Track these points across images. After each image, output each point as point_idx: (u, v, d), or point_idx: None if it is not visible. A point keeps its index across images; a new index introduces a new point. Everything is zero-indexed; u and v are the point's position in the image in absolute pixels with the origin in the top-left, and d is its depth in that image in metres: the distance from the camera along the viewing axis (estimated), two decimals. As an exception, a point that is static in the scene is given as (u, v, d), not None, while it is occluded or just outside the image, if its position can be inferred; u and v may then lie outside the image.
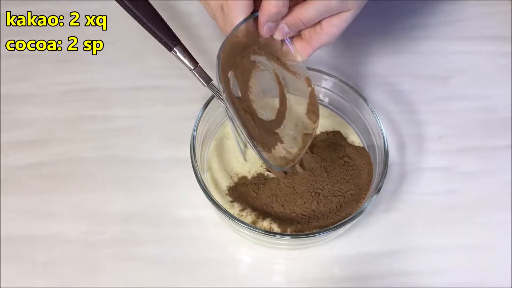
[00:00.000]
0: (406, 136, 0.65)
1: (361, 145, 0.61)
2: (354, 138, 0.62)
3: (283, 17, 0.50)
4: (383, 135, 0.56)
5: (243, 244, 0.58)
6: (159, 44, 0.55)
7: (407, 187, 0.61)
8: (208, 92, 0.55)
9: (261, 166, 0.59)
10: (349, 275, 0.56)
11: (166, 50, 0.55)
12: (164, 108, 0.67)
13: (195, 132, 0.56)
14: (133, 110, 0.67)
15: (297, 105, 0.56)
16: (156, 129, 0.65)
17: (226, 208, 0.54)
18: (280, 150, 0.53)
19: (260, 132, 0.52)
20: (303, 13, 0.49)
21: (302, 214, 0.55)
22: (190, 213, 0.59)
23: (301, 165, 0.57)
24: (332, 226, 0.52)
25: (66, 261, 0.56)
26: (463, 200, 0.61)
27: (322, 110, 0.59)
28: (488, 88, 0.70)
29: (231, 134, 0.60)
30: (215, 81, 0.52)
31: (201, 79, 0.55)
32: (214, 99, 0.57)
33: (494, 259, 0.57)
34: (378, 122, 0.57)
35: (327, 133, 0.62)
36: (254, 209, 0.56)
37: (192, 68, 0.55)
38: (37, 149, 0.63)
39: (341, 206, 0.56)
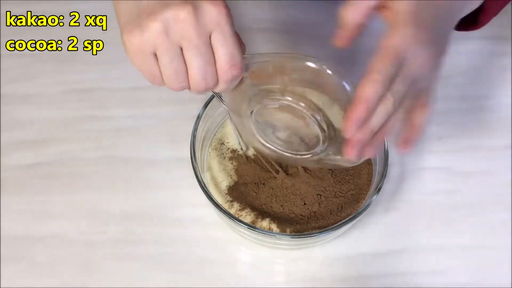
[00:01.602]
0: (406, 136, 0.65)
1: (361, 145, 0.61)
2: (354, 138, 0.61)
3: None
4: (383, 135, 0.56)
5: (243, 244, 0.58)
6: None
7: (407, 187, 0.61)
8: (208, 92, 0.55)
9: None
10: (349, 275, 0.56)
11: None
12: (164, 108, 0.67)
13: (195, 132, 0.56)
14: (133, 110, 0.66)
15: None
16: (156, 129, 0.65)
17: (225, 208, 0.54)
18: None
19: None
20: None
21: (301, 215, 0.55)
22: (190, 213, 0.59)
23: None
24: (331, 227, 0.52)
25: (66, 261, 0.56)
26: (463, 200, 0.61)
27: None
28: (488, 88, 0.69)
29: (231, 134, 0.60)
30: None
31: None
32: (214, 99, 0.57)
33: (494, 259, 0.57)
34: (378, 122, 0.57)
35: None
36: (253, 208, 0.56)
37: None
38: (37, 149, 0.63)
39: (341, 206, 0.56)
